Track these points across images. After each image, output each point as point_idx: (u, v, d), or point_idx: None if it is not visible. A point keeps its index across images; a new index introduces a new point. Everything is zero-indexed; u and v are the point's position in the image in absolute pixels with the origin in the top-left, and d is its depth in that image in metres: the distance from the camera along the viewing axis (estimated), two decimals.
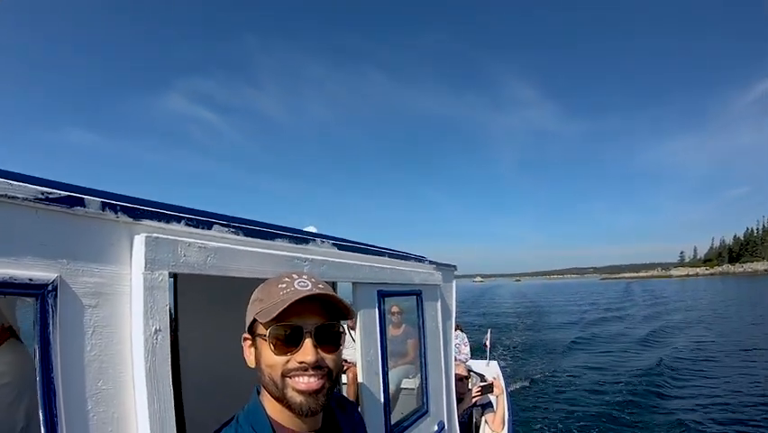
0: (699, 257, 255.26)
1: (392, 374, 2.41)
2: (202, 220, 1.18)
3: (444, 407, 2.91)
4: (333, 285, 1.96)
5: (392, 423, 2.08)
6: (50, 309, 0.81)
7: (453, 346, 3.49)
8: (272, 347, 0.88)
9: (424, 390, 2.65)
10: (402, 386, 3.23)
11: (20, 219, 0.80)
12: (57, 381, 0.81)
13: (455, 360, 3.71)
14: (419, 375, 2.71)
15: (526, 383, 11.31)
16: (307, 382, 0.88)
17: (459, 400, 3.70)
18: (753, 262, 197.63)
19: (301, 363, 0.87)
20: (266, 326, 0.88)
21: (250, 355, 0.95)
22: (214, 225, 1.21)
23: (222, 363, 2.17)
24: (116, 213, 0.96)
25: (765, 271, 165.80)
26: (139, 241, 0.98)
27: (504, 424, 4.16)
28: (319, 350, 0.89)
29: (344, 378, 3.65)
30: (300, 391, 0.88)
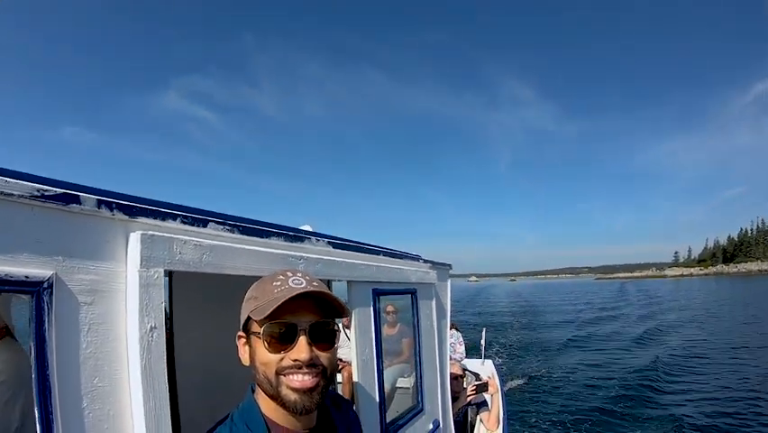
0: (693, 257, 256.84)
1: (387, 373, 2.42)
2: (197, 218, 1.18)
3: (439, 405, 2.92)
4: (329, 283, 1.97)
5: (387, 421, 2.09)
6: (46, 307, 0.81)
7: (448, 345, 3.51)
8: (266, 345, 0.88)
9: (419, 388, 2.66)
10: (397, 385, 3.24)
11: (15, 216, 0.80)
12: (52, 378, 0.81)
13: (450, 359, 3.72)
14: (414, 374, 2.71)
15: (522, 381, 11.50)
16: (302, 379, 0.88)
17: (454, 399, 3.72)
18: (747, 262, 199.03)
19: (295, 360, 0.87)
20: (260, 323, 0.88)
21: (244, 353, 0.96)
22: (210, 223, 1.22)
23: (217, 360, 2.17)
24: (112, 210, 0.96)
25: (759, 271, 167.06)
26: (134, 238, 0.99)
27: (499, 422, 4.18)
28: (314, 348, 0.89)
29: (339, 377, 3.66)
30: (294, 389, 0.88)
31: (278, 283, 0.91)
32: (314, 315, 0.91)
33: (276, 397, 0.90)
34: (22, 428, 1.64)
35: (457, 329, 6.16)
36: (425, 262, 2.90)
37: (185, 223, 1.14)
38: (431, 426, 2.71)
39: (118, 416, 0.94)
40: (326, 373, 0.91)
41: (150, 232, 1.01)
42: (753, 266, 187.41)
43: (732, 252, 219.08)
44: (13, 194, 0.78)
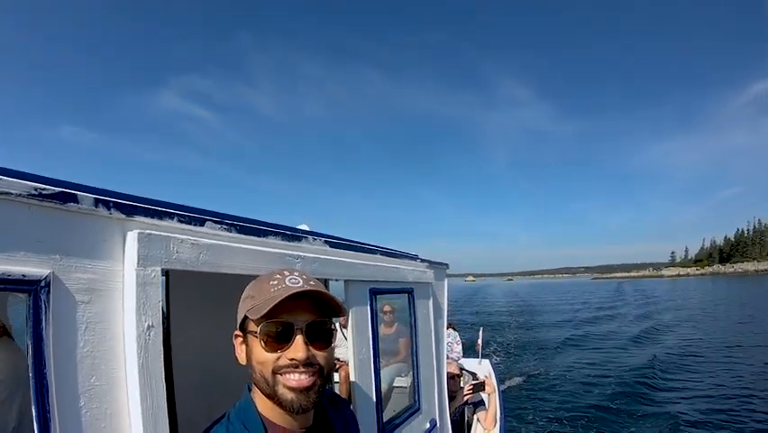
0: (690, 257, 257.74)
1: (384, 373, 2.42)
2: (194, 217, 1.18)
3: (436, 405, 2.93)
4: (326, 283, 1.97)
5: (384, 421, 2.09)
6: (43, 305, 0.81)
7: (445, 344, 3.51)
8: (263, 344, 0.88)
9: (416, 388, 2.66)
10: (394, 384, 3.24)
11: (13, 215, 0.80)
12: (50, 377, 0.81)
13: (447, 358, 3.73)
14: (411, 373, 2.72)
15: (519, 379, 11.55)
16: (298, 379, 0.88)
17: (451, 399, 3.73)
18: (743, 262, 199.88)
19: (292, 360, 0.87)
20: (257, 322, 0.88)
21: (241, 352, 0.96)
22: (207, 222, 1.22)
23: (214, 359, 2.17)
24: (109, 209, 0.96)
25: (756, 271, 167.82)
26: (131, 237, 0.99)
27: (496, 422, 4.19)
28: (310, 347, 0.89)
29: (337, 376, 3.66)
30: (291, 388, 0.88)
31: (275, 282, 0.91)
32: (310, 314, 0.91)
33: (273, 396, 0.90)
34: (19, 428, 1.64)
35: (454, 329, 6.16)
36: (422, 261, 2.90)
37: (182, 222, 1.14)
38: (428, 425, 2.72)
39: (115, 415, 0.94)
40: (323, 372, 0.91)
41: (148, 231, 1.01)
42: (749, 266, 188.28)
43: (728, 252, 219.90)
44: (10, 193, 0.78)
